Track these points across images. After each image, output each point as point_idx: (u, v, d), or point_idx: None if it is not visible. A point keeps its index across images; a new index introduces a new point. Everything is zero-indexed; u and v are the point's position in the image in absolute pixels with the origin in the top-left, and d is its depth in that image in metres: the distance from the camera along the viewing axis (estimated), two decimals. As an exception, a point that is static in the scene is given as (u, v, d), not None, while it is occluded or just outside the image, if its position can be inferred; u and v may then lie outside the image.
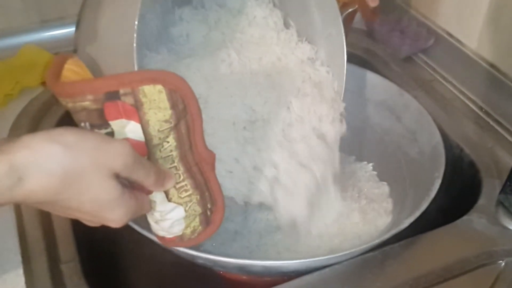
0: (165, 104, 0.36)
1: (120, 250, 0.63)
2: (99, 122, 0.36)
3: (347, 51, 0.58)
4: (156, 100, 0.36)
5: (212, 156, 0.41)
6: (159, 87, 0.36)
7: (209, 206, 0.42)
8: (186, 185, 0.40)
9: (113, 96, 0.35)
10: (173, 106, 0.37)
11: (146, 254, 0.59)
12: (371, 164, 0.66)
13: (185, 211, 0.40)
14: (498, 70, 0.63)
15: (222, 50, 0.55)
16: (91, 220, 0.36)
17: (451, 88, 0.70)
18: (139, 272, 0.64)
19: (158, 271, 0.62)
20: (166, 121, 0.37)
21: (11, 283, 0.45)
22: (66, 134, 0.32)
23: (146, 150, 0.37)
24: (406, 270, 0.47)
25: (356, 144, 0.68)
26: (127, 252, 0.63)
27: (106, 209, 0.34)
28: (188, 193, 0.40)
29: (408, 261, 0.48)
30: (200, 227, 0.42)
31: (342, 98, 0.59)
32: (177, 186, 0.39)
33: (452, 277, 0.47)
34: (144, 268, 0.64)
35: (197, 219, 0.41)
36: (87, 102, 0.35)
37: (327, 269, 0.46)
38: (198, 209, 0.41)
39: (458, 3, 0.68)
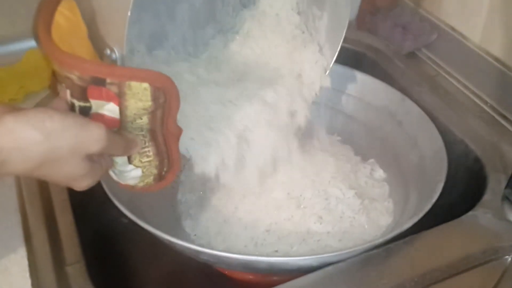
0: (147, 98, 0.38)
1: (125, 251, 0.63)
2: (80, 96, 0.37)
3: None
4: (139, 94, 0.38)
5: (180, 131, 0.43)
6: (146, 85, 0.37)
7: (165, 169, 0.45)
8: (149, 151, 0.42)
9: (100, 82, 0.37)
10: (154, 99, 0.39)
11: (151, 255, 0.60)
12: (372, 164, 0.66)
13: (142, 172, 0.43)
14: (502, 63, 0.63)
15: (264, 89, 0.56)
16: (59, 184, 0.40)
17: (455, 83, 0.69)
18: (145, 273, 0.64)
19: (164, 272, 0.63)
20: (144, 109, 0.39)
21: (17, 285, 0.46)
22: (48, 122, 0.34)
23: (119, 124, 0.39)
24: (411, 267, 0.46)
25: (357, 147, 0.69)
26: (132, 253, 0.63)
27: (76, 181, 0.38)
28: (149, 158, 0.43)
29: (413, 258, 0.47)
30: (152, 182, 0.45)
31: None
32: (141, 151, 0.42)
33: (457, 273, 0.47)
34: (150, 269, 0.64)
35: (152, 178, 0.44)
36: (73, 76, 0.37)
37: (330, 267, 0.46)
38: (155, 171, 0.44)
39: (461, -3, 0.68)
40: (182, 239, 0.45)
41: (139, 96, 0.38)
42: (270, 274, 0.54)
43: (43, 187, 0.55)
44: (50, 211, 0.52)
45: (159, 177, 0.45)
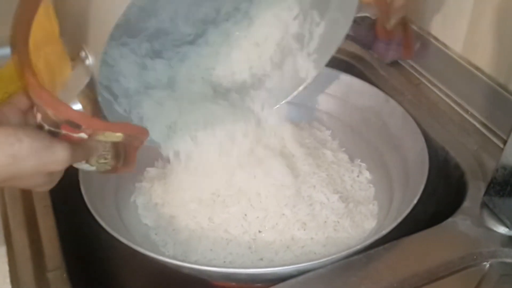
0: (119, 138, 0.40)
1: (107, 258, 0.63)
2: (51, 124, 0.38)
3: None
4: (111, 136, 0.39)
5: (142, 144, 0.45)
6: (119, 134, 0.38)
7: (119, 165, 0.45)
8: (107, 154, 0.43)
9: (74, 124, 0.37)
10: (124, 138, 0.40)
11: (134, 262, 0.59)
12: (358, 166, 0.67)
13: (97, 168, 0.44)
14: (483, 72, 0.64)
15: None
16: None
17: (437, 92, 0.70)
18: (126, 280, 0.64)
19: (146, 279, 0.62)
20: (112, 141, 0.40)
21: (-2, 292, 0.46)
22: (17, 145, 0.35)
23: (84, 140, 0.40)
24: (390, 273, 0.47)
25: (343, 148, 0.69)
26: (114, 260, 0.63)
27: (38, 187, 0.40)
28: (106, 160, 0.43)
29: (393, 264, 0.48)
30: (104, 172, 0.46)
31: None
32: (99, 154, 0.42)
33: (436, 279, 0.47)
34: (132, 276, 0.64)
35: (104, 170, 0.45)
36: (48, 111, 0.36)
37: (311, 273, 0.47)
38: (109, 168, 0.45)
39: (443, 8, 0.69)
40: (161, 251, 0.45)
41: (111, 138, 0.39)
42: (253, 282, 0.54)
43: (26, 193, 0.54)
44: (32, 217, 0.52)
45: (112, 170, 0.46)
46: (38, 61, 0.38)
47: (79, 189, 0.51)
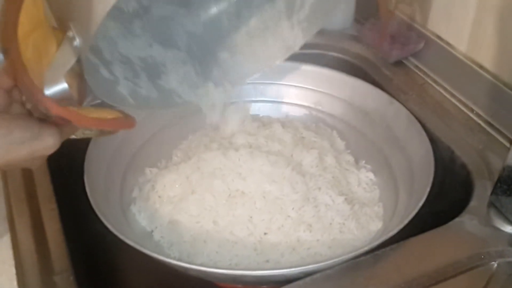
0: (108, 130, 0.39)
1: (113, 260, 0.63)
2: (42, 115, 0.38)
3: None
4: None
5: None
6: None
7: (103, 134, 0.46)
8: (93, 129, 0.43)
9: (64, 118, 0.37)
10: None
11: (140, 265, 0.59)
12: (363, 168, 0.67)
13: (81, 138, 0.44)
14: (487, 71, 0.64)
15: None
16: None
17: (442, 91, 0.70)
18: (133, 283, 0.64)
19: (152, 282, 0.62)
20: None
21: (5, 295, 0.46)
22: (9, 137, 0.37)
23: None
24: (398, 273, 0.47)
25: (348, 150, 0.69)
26: (121, 263, 0.63)
27: (27, 166, 0.43)
28: (91, 132, 0.44)
29: (400, 264, 0.48)
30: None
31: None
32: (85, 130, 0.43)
33: (444, 279, 0.47)
34: (138, 278, 0.64)
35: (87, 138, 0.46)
36: (41, 108, 0.37)
37: (318, 274, 0.46)
38: (93, 136, 0.46)
39: (447, 6, 0.68)
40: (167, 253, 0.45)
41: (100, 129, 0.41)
42: (259, 284, 0.54)
43: (32, 195, 0.55)
44: (38, 220, 0.52)
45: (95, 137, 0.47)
46: (26, 50, 0.37)
47: (85, 191, 0.51)
